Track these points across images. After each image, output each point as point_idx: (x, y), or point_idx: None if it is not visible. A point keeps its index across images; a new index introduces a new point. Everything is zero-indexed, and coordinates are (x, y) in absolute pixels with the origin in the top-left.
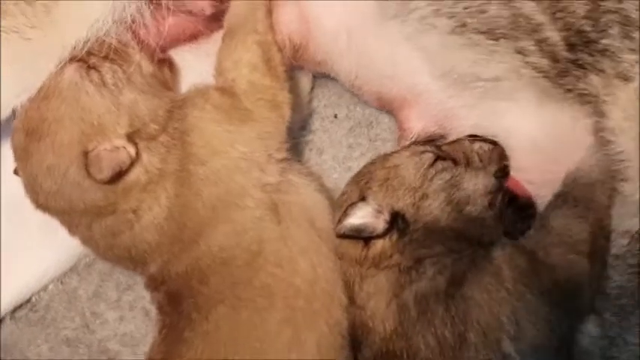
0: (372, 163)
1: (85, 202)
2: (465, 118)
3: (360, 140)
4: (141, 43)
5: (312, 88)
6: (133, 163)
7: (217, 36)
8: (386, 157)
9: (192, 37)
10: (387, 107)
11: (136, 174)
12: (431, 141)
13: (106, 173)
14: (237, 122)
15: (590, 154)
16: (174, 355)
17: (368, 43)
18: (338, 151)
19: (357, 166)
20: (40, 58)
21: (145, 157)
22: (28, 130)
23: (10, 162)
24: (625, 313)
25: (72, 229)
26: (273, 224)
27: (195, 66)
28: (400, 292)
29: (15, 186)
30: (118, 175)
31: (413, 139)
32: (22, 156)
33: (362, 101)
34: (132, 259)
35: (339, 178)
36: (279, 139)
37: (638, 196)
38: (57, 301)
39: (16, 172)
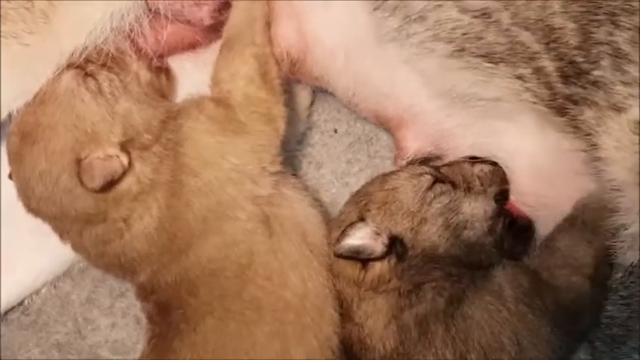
0: (371, 183)
1: (76, 209)
2: (462, 137)
3: (359, 156)
4: (139, 51)
5: (312, 103)
6: (125, 173)
7: (216, 46)
8: (385, 178)
9: (191, 46)
10: (384, 125)
11: (127, 183)
12: (428, 160)
13: (97, 182)
14: (231, 134)
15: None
16: None
17: (365, 63)
18: (337, 166)
19: (355, 181)
20: (38, 63)
21: (137, 166)
22: (22, 134)
23: (4, 166)
24: (615, 343)
25: (63, 235)
26: (264, 237)
27: (193, 74)
28: (399, 314)
29: (8, 189)
30: (110, 184)
31: (409, 159)
32: (16, 159)
33: (362, 117)
34: (122, 268)
35: (336, 193)
36: (273, 153)
37: (631, 229)
38: (49, 305)
39: (10, 176)
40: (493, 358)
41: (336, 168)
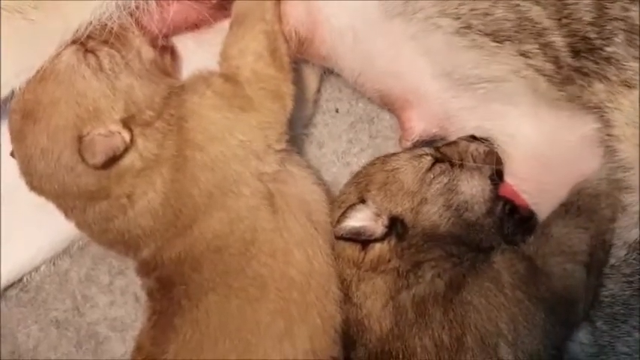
0: (372, 164)
1: (79, 186)
2: (467, 120)
3: (361, 136)
4: (143, 29)
5: (319, 89)
6: (127, 149)
7: (220, 25)
8: (385, 159)
9: (196, 25)
10: (389, 106)
11: (130, 159)
12: (432, 142)
13: (99, 158)
14: (238, 110)
15: (599, 166)
16: (163, 341)
17: (373, 41)
18: (338, 145)
19: (356, 161)
20: (42, 39)
21: (139, 142)
22: (24, 112)
23: (6, 145)
24: (616, 322)
25: (67, 212)
26: (269, 214)
27: (197, 54)
28: (397, 294)
29: (9, 167)
30: (112, 161)
31: (414, 140)
32: (18, 137)
33: (364, 97)
34: (125, 244)
35: (337, 173)
36: (280, 130)
37: (638, 207)
38: (48, 282)
39: (12, 154)
40: (489, 342)
41: (338, 147)
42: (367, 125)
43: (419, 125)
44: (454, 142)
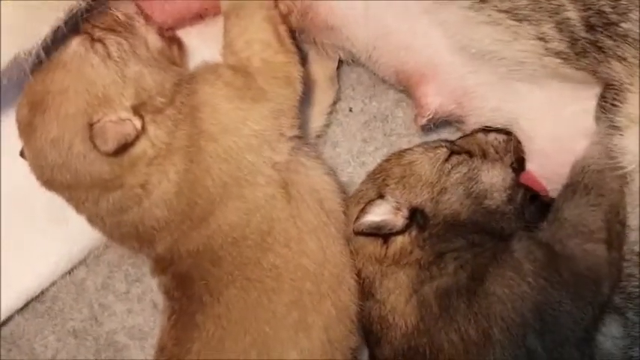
0: (387, 160)
1: (91, 175)
2: (485, 98)
3: (375, 134)
4: (148, 19)
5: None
6: (138, 136)
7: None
8: (401, 154)
9: (198, 15)
10: (405, 83)
11: (142, 147)
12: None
13: (111, 145)
14: (250, 101)
15: (597, 140)
16: (187, 340)
17: (386, 13)
18: (352, 145)
19: (371, 160)
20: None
21: (151, 130)
22: (31, 104)
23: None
24: None
25: (79, 205)
26: (284, 203)
27: (201, 49)
28: (420, 287)
29: (24, 180)
30: (124, 148)
31: (430, 116)
32: (27, 131)
33: (377, 95)
34: (139, 238)
35: (353, 172)
36: (291, 116)
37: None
38: (64, 292)
39: (22, 153)
40: (517, 333)
41: (352, 147)
42: (381, 124)
43: (435, 101)
44: (469, 135)
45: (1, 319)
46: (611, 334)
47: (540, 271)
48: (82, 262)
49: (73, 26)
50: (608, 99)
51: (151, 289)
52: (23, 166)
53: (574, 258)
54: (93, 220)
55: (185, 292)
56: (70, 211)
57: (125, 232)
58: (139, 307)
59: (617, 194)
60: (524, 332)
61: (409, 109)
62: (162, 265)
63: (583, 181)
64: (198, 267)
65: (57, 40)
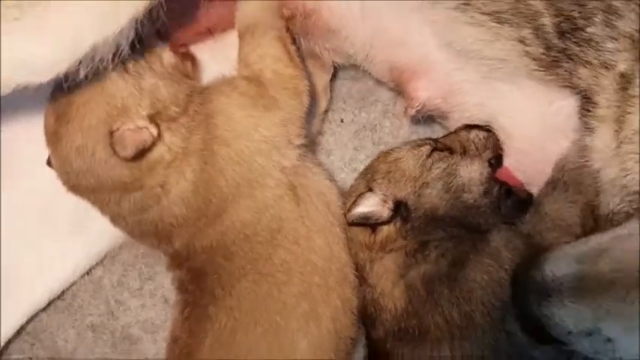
0: (376, 159)
1: (113, 178)
2: (469, 94)
3: (365, 143)
4: (162, 37)
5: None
6: (155, 142)
7: (231, 39)
8: (388, 152)
9: (208, 31)
10: (398, 79)
11: (159, 152)
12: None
13: (129, 151)
14: (262, 109)
15: (576, 140)
16: (199, 332)
17: (380, 12)
18: (344, 153)
19: (362, 167)
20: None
21: (167, 136)
22: (57, 115)
23: (38, 167)
24: None
25: (103, 207)
26: (292, 204)
27: (210, 64)
28: (406, 272)
29: (46, 189)
30: (142, 153)
31: (419, 107)
32: (53, 139)
33: (366, 107)
34: (158, 235)
35: (345, 178)
36: (299, 125)
37: (612, 178)
38: (83, 290)
39: (49, 162)
40: (496, 317)
41: (344, 155)
42: (370, 133)
43: (424, 94)
44: (454, 132)
45: (27, 318)
46: None
47: (518, 259)
48: (99, 262)
49: None
50: (583, 106)
51: (162, 285)
52: (45, 180)
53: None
54: (116, 219)
55: (199, 286)
56: (87, 220)
57: (145, 229)
58: (151, 302)
59: (592, 192)
60: (502, 315)
61: (395, 120)
62: (178, 261)
63: (562, 178)
64: (211, 262)
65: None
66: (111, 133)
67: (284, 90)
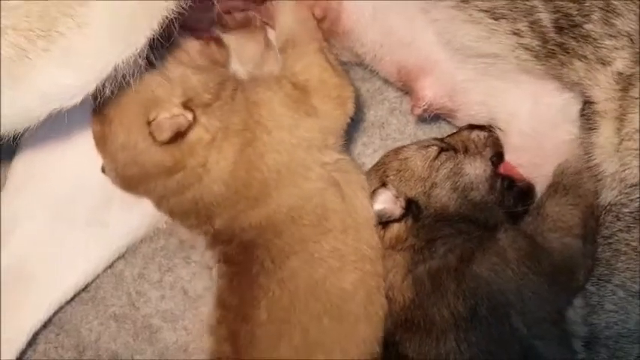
0: (386, 155)
1: (156, 164)
2: (472, 92)
3: (373, 139)
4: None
5: None
6: (191, 126)
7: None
8: (397, 150)
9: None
10: (405, 78)
11: (197, 134)
12: (440, 116)
13: (165, 135)
14: (303, 114)
15: (576, 144)
16: (251, 298)
17: (389, 13)
18: (353, 148)
19: (370, 161)
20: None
21: (203, 119)
22: (100, 121)
23: (59, 165)
24: (602, 282)
25: (150, 194)
26: (338, 199)
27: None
28: (414, 268)
29: (66, 188)
30: (178, 136)
31: (425, 106)
32: (101, 142)
33: (374, 105)
34: (198, 214)
35: None
36: (337, 135)
37: (612, 172)
38: (106, 282)
39: (103, 169)
40: (501, 312)
41: (353, 150)
42: (378, 130)
43: (430, 92)
44: (457, 132)
45: (53, 311)
46: (572, 304)
47: (523, 259)
48: (121, 256)
49: None
50: (583, 104)
51: (181, 277)
52: (68, 178)
53: (553, 250)
54: (159, 202)
55: (248, 257)
56: (109, 218)
57: (187, 208)
58: (170, 293)
59: (592, 195)
60: (507, 311)
61: (402, 117)
62: (222, 238)
63: (562, 182)
64: (262, 236)
65: None
66: (148, 123)
67: (328, 99)
